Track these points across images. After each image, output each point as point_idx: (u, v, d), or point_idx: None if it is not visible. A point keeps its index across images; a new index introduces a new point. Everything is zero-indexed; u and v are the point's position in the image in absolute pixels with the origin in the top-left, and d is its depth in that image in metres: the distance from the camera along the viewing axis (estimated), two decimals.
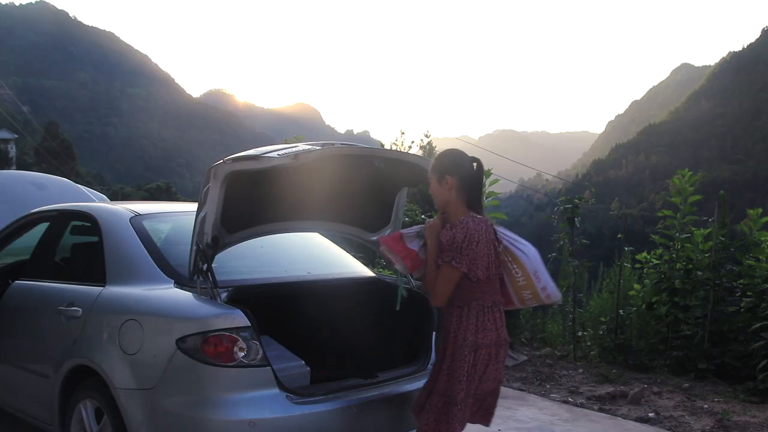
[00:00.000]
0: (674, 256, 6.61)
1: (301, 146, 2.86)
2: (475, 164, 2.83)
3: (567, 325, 7.57)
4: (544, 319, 8.40)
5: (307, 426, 2.74)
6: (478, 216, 2.75)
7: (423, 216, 8.97)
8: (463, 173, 2.79)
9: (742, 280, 6.24)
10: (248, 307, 2.75)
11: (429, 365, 3.35)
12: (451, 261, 2.65)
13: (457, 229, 2.66)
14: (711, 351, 6.08)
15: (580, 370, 6.39)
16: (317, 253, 4.01)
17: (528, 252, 2.87)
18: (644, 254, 7.04)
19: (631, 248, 7.32)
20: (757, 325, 5.62)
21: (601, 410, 5.13)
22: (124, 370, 2.82)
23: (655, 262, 6.77)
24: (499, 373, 2.81)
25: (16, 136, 59.33)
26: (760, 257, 6.11)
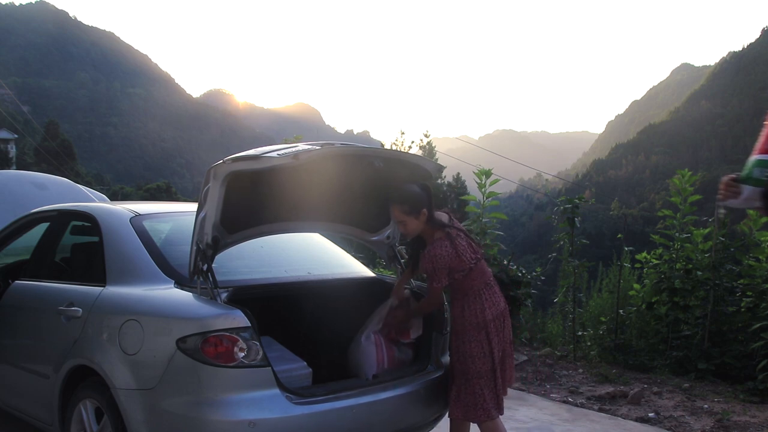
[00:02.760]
0: (674, 256, 6.60)
1: (301, 146, 2.86)
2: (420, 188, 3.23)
3: (567, 325, 7.57)
4: (544, 319, 8.41)
5: (308, 426, 2.74)
6: (438, 227, 3.18)
7: None
8: (428, 202, 3.20)
9: (742, 280, 6.24)
10: (248, 308, 2.74)
11: (429, 366, 3.36)
12: (432, 283, 3.17)
13: (425, 261, 3.15)
14: (711, 351, 6.07)
15: (580, 370, 6.39)
16: (317, 254, 4.01)
17: None
18: (644, 254, 7.02)
19: (631, 248, 7.31)
20: (757, 325, 5.61)
21: (601, 410, 5.13)
22: (124, 371, 2.82)
23: (655, 262, 6.76)
24: (509, 334, 3.29)
25: (16, 136, 59.39)
26: (760, 257, 6.11)
